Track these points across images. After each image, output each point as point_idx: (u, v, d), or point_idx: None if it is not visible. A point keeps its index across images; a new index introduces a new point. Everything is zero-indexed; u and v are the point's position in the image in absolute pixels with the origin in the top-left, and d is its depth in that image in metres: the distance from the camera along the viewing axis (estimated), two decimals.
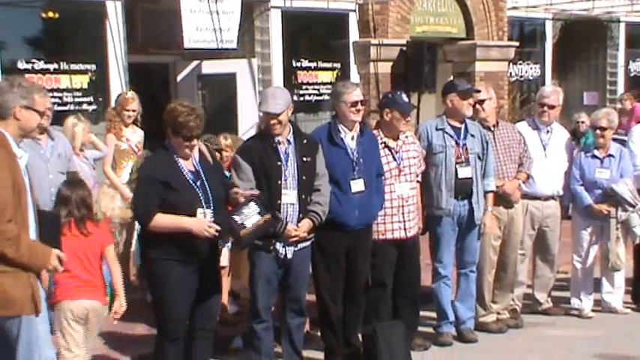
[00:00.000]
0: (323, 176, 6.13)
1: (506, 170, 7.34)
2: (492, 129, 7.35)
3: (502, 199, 7.31)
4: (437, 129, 6.99)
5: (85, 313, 5.43)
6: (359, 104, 6.31)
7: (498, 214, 7.35)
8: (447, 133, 6.98)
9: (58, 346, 5.31)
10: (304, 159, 6.02)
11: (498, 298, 7.60)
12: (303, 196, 6.01)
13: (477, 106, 7.29)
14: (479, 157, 7.04)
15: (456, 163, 6.93)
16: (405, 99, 6.72)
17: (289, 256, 6.00)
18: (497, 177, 7.26)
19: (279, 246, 5.96)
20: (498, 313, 7.59)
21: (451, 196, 6.92)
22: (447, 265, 7.11)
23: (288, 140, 6.02)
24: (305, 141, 6.12)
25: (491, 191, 7.15)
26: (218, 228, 5.31)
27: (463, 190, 6.96)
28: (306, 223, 6.03)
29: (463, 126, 7.03)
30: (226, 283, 7.11)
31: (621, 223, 7.77)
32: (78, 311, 5.40)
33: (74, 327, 5.41)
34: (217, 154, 6.38)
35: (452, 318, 7.18)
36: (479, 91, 7.29)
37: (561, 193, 7.86)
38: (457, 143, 6.97)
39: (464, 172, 6.95)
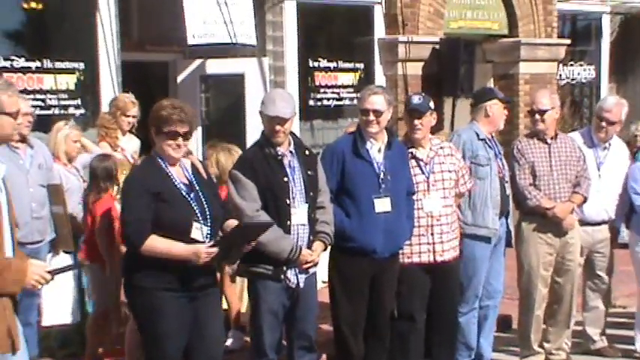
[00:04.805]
0: (325, 192, 6.19)
1: (559, 190, 7.35)
2: (549, 142, 7.38)
3: (553, 223, 7.32)
4: (479, 139, 7.05)
5: None
6: (370, 114, 6.32)
7: (549, 239, 7.36)
8: (487, 144, 7.05)
9: None
10: (309, 173, 6.06)
11: (552, 336, 7.63)
12: (313, 215, 6.05)
13: (537, 116, 7.33)
14: None
15: (500, 179, 7.06)
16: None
17: (301, 284, 6.03)
18: (549, 197, 7.29)
19: (290, 274, 5.98)
20: (551, 353, 7.60)
21: (496, 214, 6.98)
22: (479, 293, 7.16)
23: (291, 152, 6.05)
24: (307, 152, 6.17)
25: None
26: (215, 251, 5.20)
27: (506, 207, 7.08)
28: (319, 246, 6.08)
29: (492, 138, 7.19)
30: None
31: None
32: None
33: None
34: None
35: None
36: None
37: (613, 217, 7.84)
38: (496, 156, 7.08)
39: (509, 189, 7.13)
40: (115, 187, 7.05)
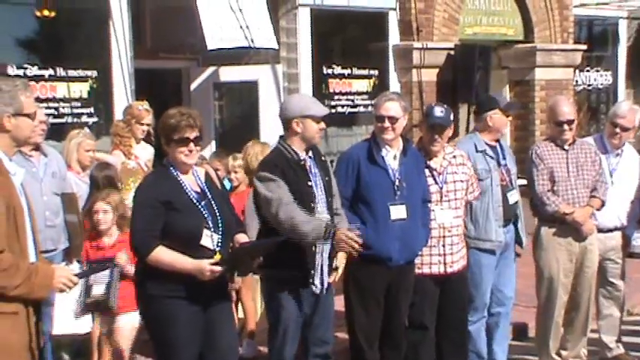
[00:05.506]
0: (338, 198, 6.25)
1: (578, 196, 7.36)
2: (567, 148, 7.42)
3: (572, 229, 7.35)
4: (477, 151, 7.05)
5: None
6: (386, 120, 6.37)
7: (569, 245, 7.39)
8: (487, 154, 7.06)
9: None
10: (326, 178, 6.13)
11: (570, 344, 7.66)
12: (333, 220, 6.10)
13: (565, 126, 7.37)
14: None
15: (502, 187, 7.04)
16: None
17: (324, 290, 6.07)
18: (567, 203, 7.31)
19: (316, 280, 6.00)
20: None
21: (499, 225, 6.99)
22: (488, 301, 7.18)
23: (310, 157, 6.11)
24: (322, 158, 6.24)
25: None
26: (220, 269, 5.21)
27: (510, 215, 7.10)
28: (343, 255, 6.09)
29: (498, 144, 7.18)
30: None
31: None
32: None
33: None
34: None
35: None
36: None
37: (625, 223, 7.86)
38: (499, 164, 7.09)
39: (513, 198, 7.11)
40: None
